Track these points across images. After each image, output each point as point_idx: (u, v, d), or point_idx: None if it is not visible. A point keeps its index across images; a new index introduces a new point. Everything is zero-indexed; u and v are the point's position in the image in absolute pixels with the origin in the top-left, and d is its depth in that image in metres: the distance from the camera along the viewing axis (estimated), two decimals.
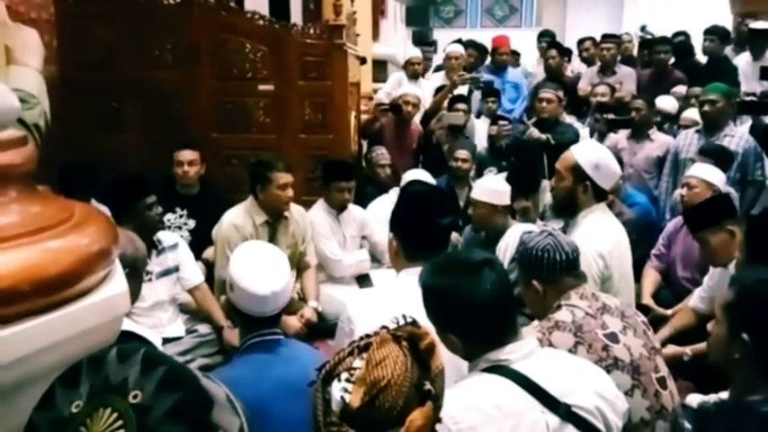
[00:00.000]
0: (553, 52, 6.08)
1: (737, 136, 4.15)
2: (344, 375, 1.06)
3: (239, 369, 1.87)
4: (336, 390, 1.06)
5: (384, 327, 1.13)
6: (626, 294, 2.54)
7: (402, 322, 1.13)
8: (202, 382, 0.88)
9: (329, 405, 1.05)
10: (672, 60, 5.94)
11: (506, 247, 3.16)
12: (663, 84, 5.59)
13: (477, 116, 5.60)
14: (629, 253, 2.64)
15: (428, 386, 1.06)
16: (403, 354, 1.07)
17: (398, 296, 1.82)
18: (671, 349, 2.78)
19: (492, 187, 3.47)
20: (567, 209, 2.65)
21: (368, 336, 1.11)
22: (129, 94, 4.12)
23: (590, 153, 2.58)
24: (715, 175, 3.42)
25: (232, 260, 1.92)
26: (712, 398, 2.32)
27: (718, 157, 3.80)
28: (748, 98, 4.32)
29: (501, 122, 4.93)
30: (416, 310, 1.50)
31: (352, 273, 3.89)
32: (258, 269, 1.85)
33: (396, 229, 2.00)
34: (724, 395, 2.27)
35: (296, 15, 5.79)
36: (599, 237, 2.47)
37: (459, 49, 5.95)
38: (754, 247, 2.34)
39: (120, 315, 0.90)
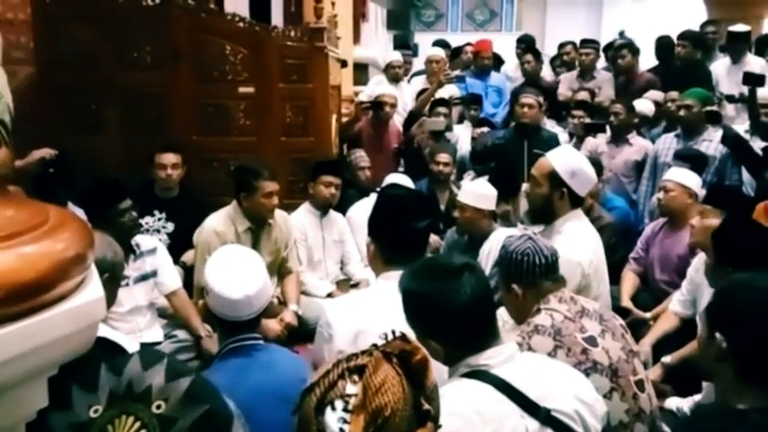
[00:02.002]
0: (529, 57, 6.11)
1: (715, 141, 4.20)
2: (339, 404, 1.00)
3: (217, 376, 1.84)
4: (332, 420, 0.99)
5: (374, 345, 1.06)
6: (603, 300, 2.57)
7: (390, 337, 1.07)
8: (224, 397, 0.87)
9: None
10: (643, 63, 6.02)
11: (490, 251, 3.17)
12: (631, 87, 5.65)
13: (460, 121, 5.61)
14: (604, 258, 2.67)
15: (426, 406, 1.02)
16: (396, 373, 1.01)
17: (377, 301, 1.82)
18: (654, 373, 2.77)
19: (479, 192, 3.46)
20: (543, 215, 2.67)
21: (355, 355, 1.05)
22: (108, 96, 4.08)
23: (567, 160, 2.60)
24: (691, 179, 3.46)
25: (207, 264, 1.92)
26: (688, 401, 2.35)
27: (693, 161, 3.85)
28: (714, 108, 4.41)
29: (483, 127, 4.96)
30: (395, 315, 1.51)
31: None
32: (232, 273, 1.85)
33: (373, 233, 2.00)
34: (698, 397, 2.31)
35: (276, 18, 5.78)
36: (580, 246, 2.49)
37: (440, 52, 5.96)
38: (721, 252, 2.37)
39: (96, 321, 0.89)
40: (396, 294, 1.54)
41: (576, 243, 2.48)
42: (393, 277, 1.73)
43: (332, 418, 0.99)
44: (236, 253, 1.99)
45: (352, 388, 1.01)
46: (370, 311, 1.81)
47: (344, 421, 0.98)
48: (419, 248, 1.95)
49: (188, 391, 0.82)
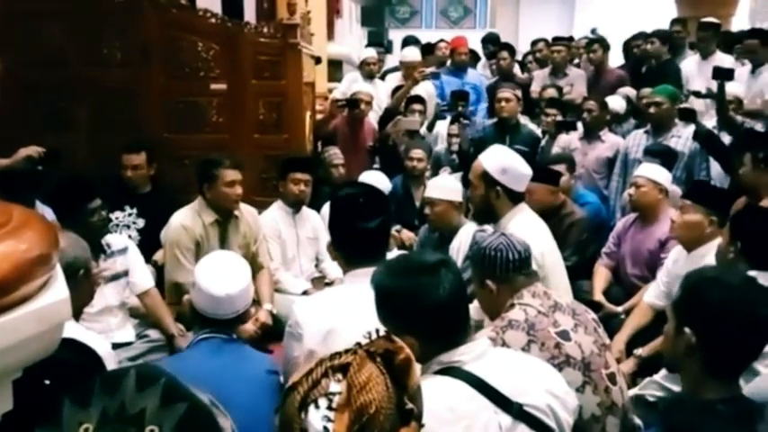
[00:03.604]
0: (504, 54, 6.15)
1: (684, 137, 4.26)
2: (323, 402, 0.99)
3: (185, 356, 2.03)
4: (316, 418, 0.98)
5: (357, 343, 1.06)
6: (563, 290, 2.59)
7: (374, 336, 1.07)
8: (219, 423, 0.84)
9: None
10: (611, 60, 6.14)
11: (459, 246, 3.19)
12: (601, 82, 5.71)
13: (443, 118, 5.58)
14: (557, 248, 2.71)
15: (410, 405, 1.02)
16: (380, 372, 1.01)
17: (346, 299, 1.84)
18: (627, 365, 2.81)
19: (447, 185, 3.51)
20: (485, 216, 2.72)
21: (338, 354, 1.05)
22: (78, 93, 4.02)
23: (496, 159, 2.66)
24: (661, 175, 3.51)
25: (199, 263, 2.09)
26: (646, 382, 2.38)
27: (663, 156, 3.91)
28: (685, 105, 4.49)
29: (462, 121, 4.93)
30: (365, 313, 1.51)
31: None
32: (218, 272, 1.99)
33: (331, 237, 2.07)
34: (657, 377, 2.34)
35: (249, 14, 5.72)
36: (530, 238, 2.51)
37: (416, 55, 5.86)
38: (738, 237, 2.37)
39: (60, 323, 0.87)
40: (365, 292, 1.54)
41: (526, 236, 2.50)
42: (360, 275, 1.76)
43: (315, 416, 0.99)
44: (226, 256, 2.17)
45: (335, 386, 1.00)
46: (340, 310, 1.82)
47: (328, 419, 0.98)
48: (376, 248, 1.94)
49: (183, 418, 0.79)
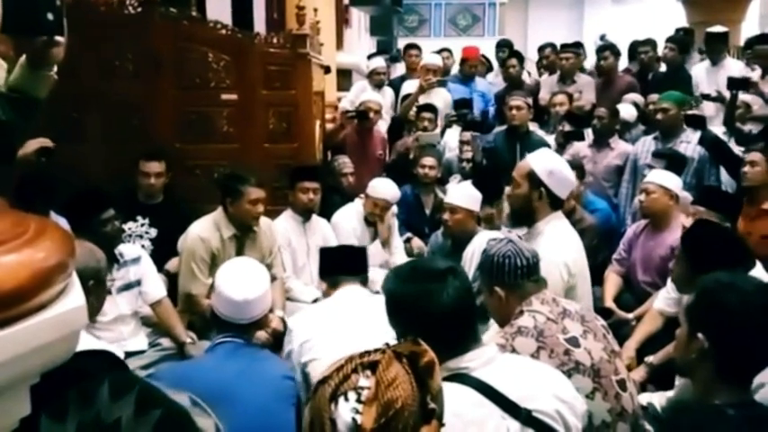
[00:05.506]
0: (513, 61, 6.17)
1: (693, 142, 4.26)
2: (352, 395, 1.05)
3: (205, 359, 2.13)
4: (345, 410, 1.04)
5: (386, 343, 1.12)
6: (587, 299, 2.61)
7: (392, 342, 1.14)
8: (198, 424, 0.86)
9: (335, 425, 1.04)
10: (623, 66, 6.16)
11: (473, 254, 3.20)
12: (611, 89, 5.72)
13: (449, 126, 5.59)
14: (585, 258, 2.71)
15: (432, 405, 1.06)
16: (406, 372, 1.06)
17: (336, 306, 2.30)
18: (638, 373, 2.80)
19: (469, 193, 3.53)
20: (523, 217, 2.71)
21: (368, 353, 1.10)
22: (90, 105, 4.05)
23: (545, 160, 2.67)
24: (672, 181, 3.50)
25: (220, 268, 2.20)
26: (659, 396, 2.37)
27: (670, 159, 3.90)
28: (696, 111, 4.48)
29: (473, 134, 4.93)
30: (359, 318, 1.62)
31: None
32: (237, 278, 2.09)
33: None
34: (669, 393, 2.33)
35: (259, 25, 5.78)
36: (564, 246, 2.54)
37: (437, 60, 5.81)
38: (691, 257, 2.38)
39: (77, 329, 0.89)
40: (356, 300, 1.66)
41: (560, 243, 2.52)
42: (344, 290, 2.38)
43: (345, 408, 1.04)
44: (246, 263, 2.27)
45: (365, 381, 1.06)
46: (329, 313, 2.29)
47: (357, 411, 1.03)
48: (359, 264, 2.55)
49: (157, 425, 0.81)
